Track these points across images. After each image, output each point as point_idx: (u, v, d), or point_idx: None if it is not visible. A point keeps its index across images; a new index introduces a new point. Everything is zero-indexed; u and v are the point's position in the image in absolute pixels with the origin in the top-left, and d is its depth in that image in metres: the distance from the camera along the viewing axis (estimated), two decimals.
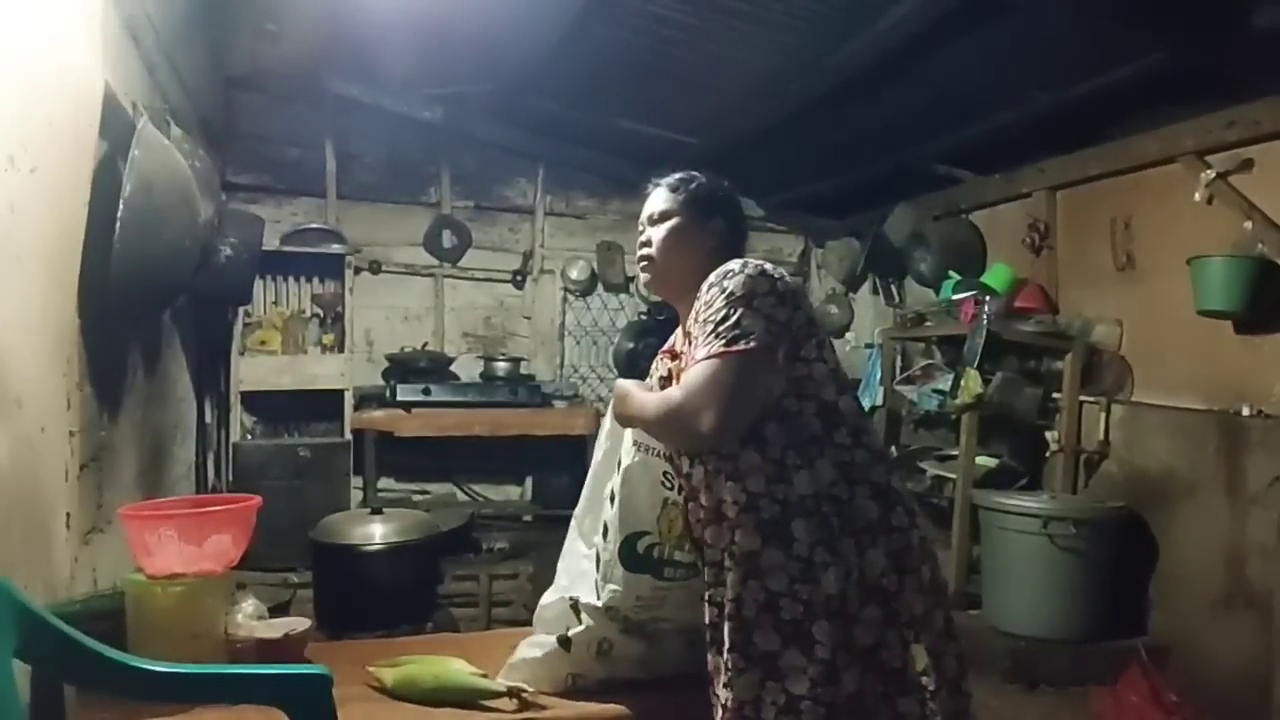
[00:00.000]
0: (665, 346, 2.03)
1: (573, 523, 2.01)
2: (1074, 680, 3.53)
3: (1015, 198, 4.70)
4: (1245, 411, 3.43)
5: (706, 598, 1.72)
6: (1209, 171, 3.54)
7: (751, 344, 1.60)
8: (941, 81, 3.74)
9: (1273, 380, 3.39)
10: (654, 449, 1.85)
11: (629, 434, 1.87)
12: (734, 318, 1.62)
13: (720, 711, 1.65)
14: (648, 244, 1.89)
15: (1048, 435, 4.22)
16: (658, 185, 1.94)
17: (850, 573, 1.60)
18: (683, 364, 1.79)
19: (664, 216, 1.88)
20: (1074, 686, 3.51)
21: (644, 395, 1.79)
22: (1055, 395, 4.19)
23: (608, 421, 1.97)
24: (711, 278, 1.70)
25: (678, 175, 1.93)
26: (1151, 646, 3.51)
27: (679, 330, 1.95)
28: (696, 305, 1.72)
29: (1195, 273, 3.49)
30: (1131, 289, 4.04)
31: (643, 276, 1.95)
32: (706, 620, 1.71)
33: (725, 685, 1.64)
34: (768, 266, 1.71)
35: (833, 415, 1.68)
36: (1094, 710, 3.35)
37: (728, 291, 1.65)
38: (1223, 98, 3.47)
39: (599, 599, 1.84)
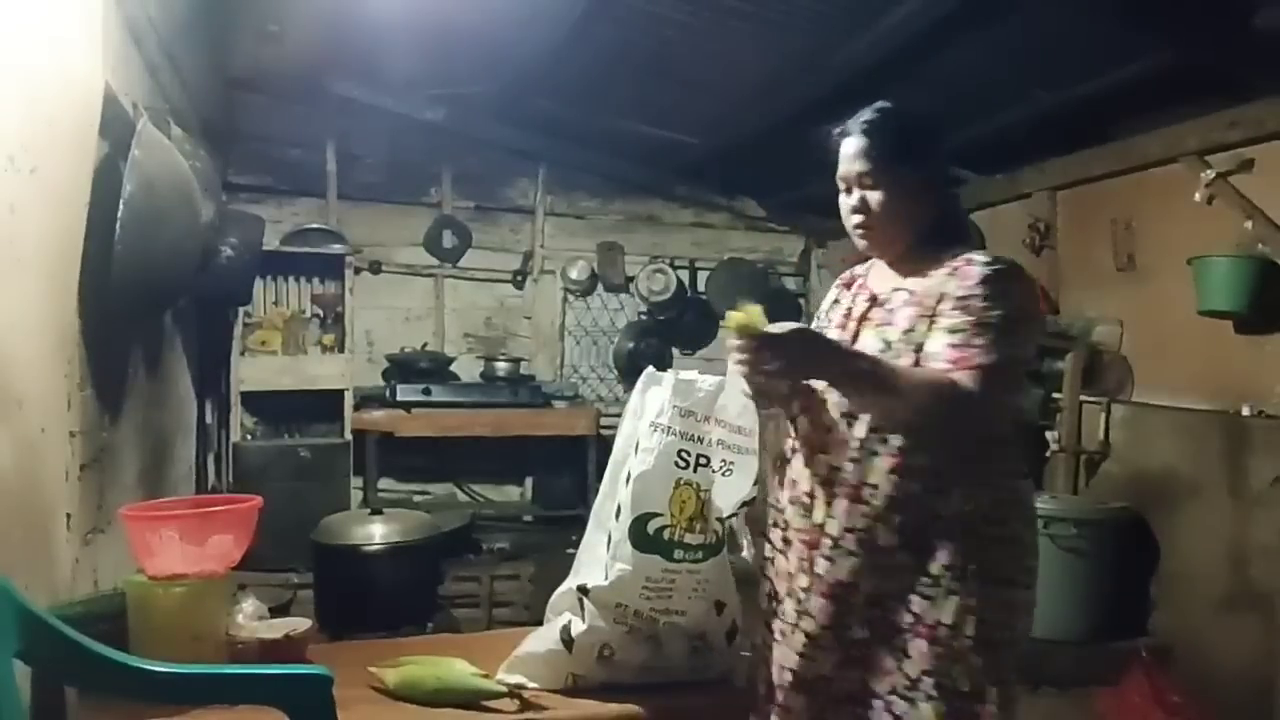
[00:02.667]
0: (851, 280, 1.90)
1: (592, 516, 2.01)
2: (1076, 681, 3.52)
3: (1016, 198, 4.70)
4: (1247, 412, 3.42)
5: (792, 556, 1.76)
6: (1210, 171, 3.53)
7: (1030, 352, 1.68)
8: (943, 82, 3.74)
9: (1274, 380, 3.38)
10: (672, 429, 1.85)
11: (647, 414, 1.87)
12: (1024, 323, 1.63)
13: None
14: (863, 209, 1.72)
15: (1049, 435, 4.22)
16: (860, 134, 1.73)
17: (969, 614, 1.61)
18: (889, 319, 1.70)
19: (879, 179, 1.71)
20: (1076, 687, 3.50)
21: (895, 364, 1.62)
22: (1056, 395, 4.18)
23: (631, 405, 1.96)
24: (995, 266, 1.64)
25: (882, 121, 1.73)
26: (1154, 647, 3.50)
27: (871, 268, 1.86)
28: (968, 285, 1.61)
29: (1197, 273, 3.48)
30: (1133, 289, 4.04)
31: (858, 241, 1.79)
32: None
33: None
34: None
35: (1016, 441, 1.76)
36: (1097, 711, 3.35)
37: (1018, 297, 1.63)
38: (1224, 98, 3.47)
39: (606, 579, 1.84)
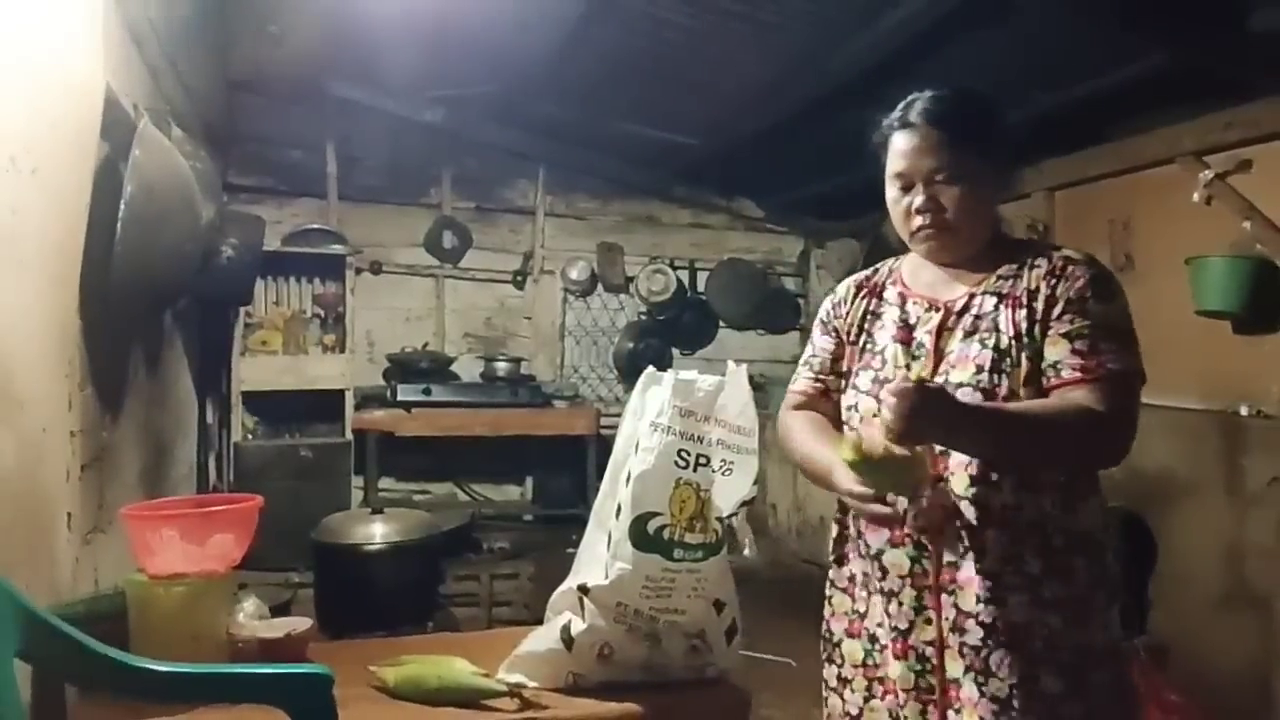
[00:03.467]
0: (874, 285, 1.71)
1: (592, 515, 2.02)
2: None
3: (1014, 198, 4.70)
4: (1244, 411, 3.43)
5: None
6: (1207, 172, 3.54)
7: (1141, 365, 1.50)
8: (941, 82, 3.74)
9: (1271, 380, 3.39)
10: (672, 428, 1.85)
11: (648, 414, 1.87)
12: (1133, 333, 1.50)
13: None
14: (934, 208, 1.54)
15: None
16: (928, 124, 1.56)
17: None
18: (988, 325, 1.52)
19: (956, 173, 1.53)
20: None
21: (1020, 409, 1.44)
22: None
23: (631, 405, 1.96)
24: (1099, 266, 1.53)
25: (954, 109, 1.58)
26: (1151, 646, 3.49)
27: (897, 271, 1.70)
28: (1079, 287, 1.48)
29: (1194, 273, 3.49)
30: (1130, 289, 3.90)
31: (920, 245, 1.59)
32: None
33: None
34: None
35: None
36: None
37: (1125, 300, 1.51)
38: (1221, 99, 3.47)
39: (606, 578, 1.84)
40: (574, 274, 5.91)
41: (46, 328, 1.95)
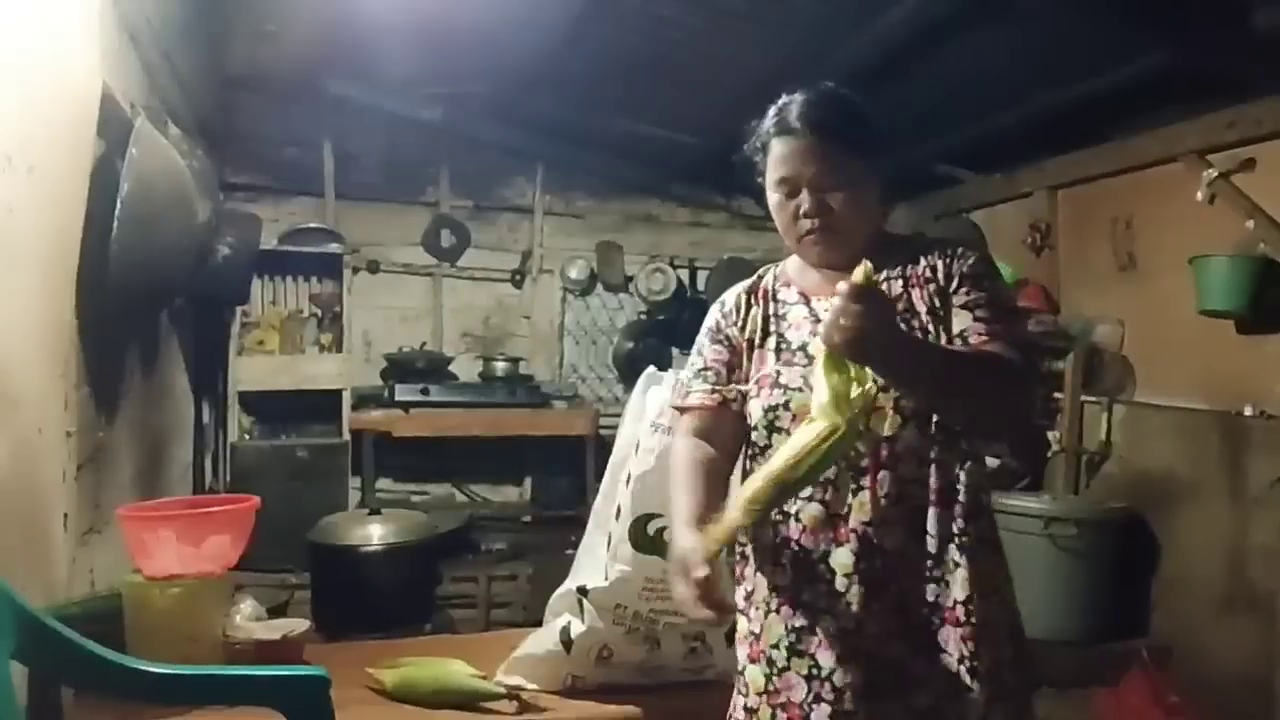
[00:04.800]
0: (761, 290, 1.69)
1: (591, 517, 2.01)
2: (1076, 682, 3.52)
3: (1016, 198, 4.70)
4: (1247, 412, 3.42)
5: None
6: (1210, 171, 3.53)
7: None
8: (942, 81, 3.73)
9: (1274, 380, 3.38)
10: (672, 429, 1.84)
11: (648, 414, 1.86)
12: (1020, 312, 1.63)
13: None
14: (822, 211, 1.54)
15: (1049, 436, 4.22)
16: (808, 130, 1.55)
17: None
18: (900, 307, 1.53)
19: (840, 176, 1.54)
20: (1076, 688, 3.50)
21: (952, 348, 1.50)
22: (1056, 395, 4.18)
23: (631, 405, 1.95)
24: (982, 252, 1.61)
25: (828, 112, 1.58)
26: (1153, 648, 3.50)
27: (783, 275, 1.69)
28: (971, 264, 1.54)
29: (1197, 272, 3.48)
30: (1133, 289, 4.04)
31: (807, 251, 1.60)
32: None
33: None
34: None
35: None
36: (1096, 712, 3.34)
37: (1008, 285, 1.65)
38: (1224, 98, 3.46)
39: (606, 580, 1.83)
40: (573, 273, 5.89)
41: (42, 327, 1.93)
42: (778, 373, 1.58)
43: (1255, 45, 3.02)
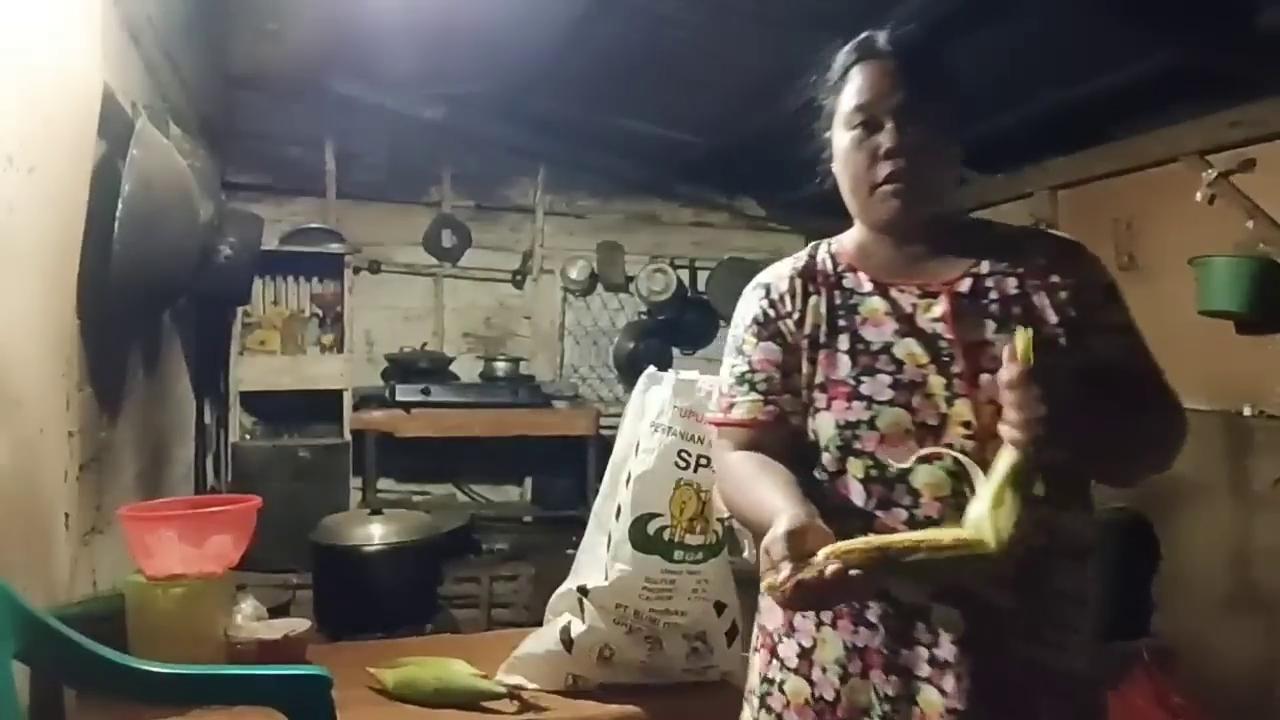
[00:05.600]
0: (817, 271, 1.41)
1: (592, 517, 2.01)
2: None
3: (1017, 197, 4.70)
4: (1249, 412, 3.42)
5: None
6: (1211, 171, 3.53)
7: None
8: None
9: (1276, 381, 3.37)
10: (673, 429, 1.84)
11: (648, 414, 1.86)
12: None
13: None
14: (901, 151, 1.29)
15: None
16: (894, 54, 1.38)
17: None
18: (1001, 310, 1.30)
19: (929, 113, 1.30)
20: None
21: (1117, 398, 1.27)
22: None
23: (632, 405, 1.95)
24: (1089, 256, 1.37)
25: (918, 40, 1.42)
26: (1156, 648, 3.50)
27: (834, 254, 1.43)
28: (1094, 270, 1.35)
29: (1198, 273, 3.48)
30: (1134, 289, 3.94)
31: (882, 203, 1.32)
32: None
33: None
34: None
35: None
36: None
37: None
38: (1227, 97, 3.46)
39: (606, 579, 1.83)
40: (574, 273, 5.89)
41: (44, 327, 1.93)
42: (857, 380, 1.29)
43: (1259, 45, 3.02)
